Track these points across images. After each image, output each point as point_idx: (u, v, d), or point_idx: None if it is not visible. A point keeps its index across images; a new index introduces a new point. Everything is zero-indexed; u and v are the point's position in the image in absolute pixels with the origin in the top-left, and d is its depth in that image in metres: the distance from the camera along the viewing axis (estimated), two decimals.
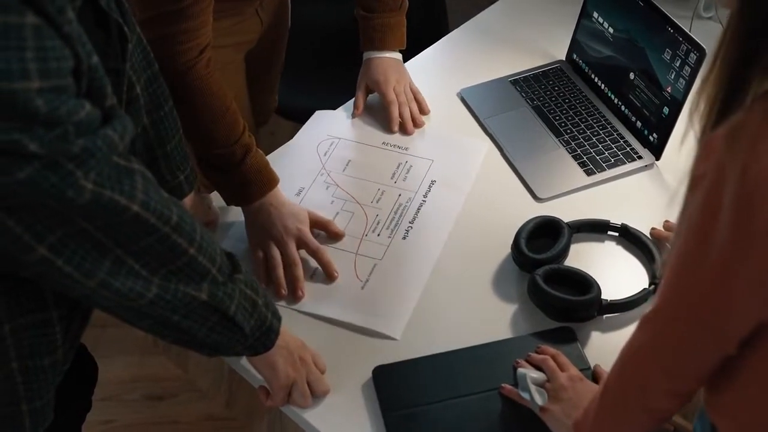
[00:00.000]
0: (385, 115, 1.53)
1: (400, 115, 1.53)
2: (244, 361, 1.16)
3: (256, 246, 1.29)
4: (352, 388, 1.13)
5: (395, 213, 1.37)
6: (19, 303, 0.91)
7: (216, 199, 1.39)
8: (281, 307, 1.20)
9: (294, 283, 1.25)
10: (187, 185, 1.26)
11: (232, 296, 0.96)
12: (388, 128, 1.53)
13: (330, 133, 1.53)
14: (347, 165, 1.46)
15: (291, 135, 1.56)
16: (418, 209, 1.38)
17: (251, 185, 1.28)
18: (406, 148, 1.50)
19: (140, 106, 1.07)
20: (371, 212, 1.37)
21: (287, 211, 1.29)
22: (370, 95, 1.59)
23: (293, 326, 1.15)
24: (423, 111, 1.57)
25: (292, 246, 1.27)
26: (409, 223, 1.35)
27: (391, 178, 1.44)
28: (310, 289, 1.25)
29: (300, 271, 1.25)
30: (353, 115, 1.56)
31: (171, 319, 0.92)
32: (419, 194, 1.40)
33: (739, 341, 0.78)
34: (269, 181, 1.29)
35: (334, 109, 1.60)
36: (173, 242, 0.88)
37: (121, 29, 0.92)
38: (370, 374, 1.14)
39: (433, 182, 1.43)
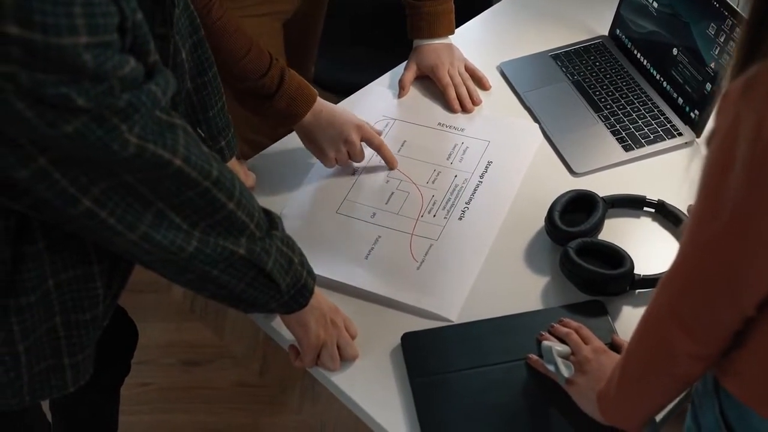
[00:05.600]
0: (444, 98, 1.53)
1: (458, 96, 1.52)
2: (274, 322, 1.17)
3: (322, 154, 1.37)
4: (380, 353, 1.15)
5: (451, 194, 1.36)
6: (63, 258, 0.93)
7: (252, 164, 1.41)
8: (323, 277, 1.20)
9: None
10: (228, 151, 1.28)
11: (269, 252, 0.98)
12: (449, 110, 1.52)
13: (385, 114, 1.52)
14: (402, 145, 1.45)
15: None
16: (475, 190, 1.36)
17: (296, 102, 1.34)
18: (463, 129, 1.48)
19: (185, 72, 1.08)
20: (427, 193, 1.37)
21: (338, 112, 1.38)
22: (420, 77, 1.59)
23: (325, 294, 1.16)
24: (484, 87, 1.57)
25: (358, 141, 1.37)
26: (466, 203, 1.34)
27: (447, 159, 1.42)
28: (366, 267, 1.25)
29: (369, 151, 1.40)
30: (399, 96, 1.56)
31: (210, 273, 0.94)
32: (476, 175, 1.39)
33: (757, 302, 0.77)
34: (310, 93, 1.35)
35: (370, 82, 1.60)
36: (213, 196, 0.89)
37: None
38: (398, 341, 1.15)
39: (489, 163, 1.41)
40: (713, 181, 0.73)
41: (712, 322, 0.80)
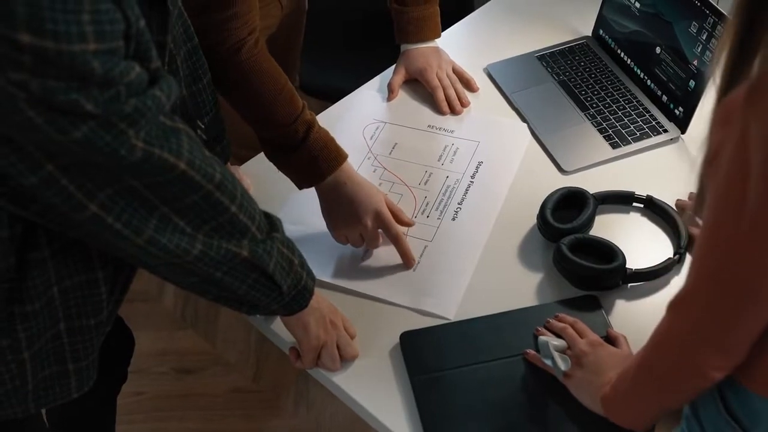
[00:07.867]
0: (433, 100, 1.55)
1: (447, 98, 1.54)
2: (273, 325, 1.18)
3: (334, 229, 1.28)
4: (379, 352, 1.16)
5: (443, 195, 1.38)
6: (67, 265, 0.94)
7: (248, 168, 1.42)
8: (320, 280, 1.21)
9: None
10: (223, 158, 1.29)
11: (271, 254, 0.99)
12: (438, 111, 1.54)
13: (375, 117, 1.54)
14: (394, 148, 1.47)
15: (316, 113, 1.56)
16: (467, 190, 1.38)
17: (318, 161, 1.24)
18: (452, 131, 1.50)
19: (180, 79, 1.10)
20: (420, 194, 1.38)
21: (363, 190, 1.26)
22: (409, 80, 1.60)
23: (324, 294, 1.17)
24: (471, 89, 1.59)
25: (373, 228, 1.25)
26: (458, 204, 1.36)
27: (438, 160, 1.44)
28: (362, 269, 1.27)
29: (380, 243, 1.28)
30: (388, 99, 1.57)
31: (214, 275, 0.95)
32: (467, 175, 1.41)
33: None
34: (337, 155, 1.25)
35: (359, 86, 1.61)
36: (216, 200, 0.91)
37: (164, 2, 0.94)
38: (397, 340, 1.16)
39: (480, 163, 1.43)
40: (730, 193, 0.73)
41: (742, 333, 0.81)
